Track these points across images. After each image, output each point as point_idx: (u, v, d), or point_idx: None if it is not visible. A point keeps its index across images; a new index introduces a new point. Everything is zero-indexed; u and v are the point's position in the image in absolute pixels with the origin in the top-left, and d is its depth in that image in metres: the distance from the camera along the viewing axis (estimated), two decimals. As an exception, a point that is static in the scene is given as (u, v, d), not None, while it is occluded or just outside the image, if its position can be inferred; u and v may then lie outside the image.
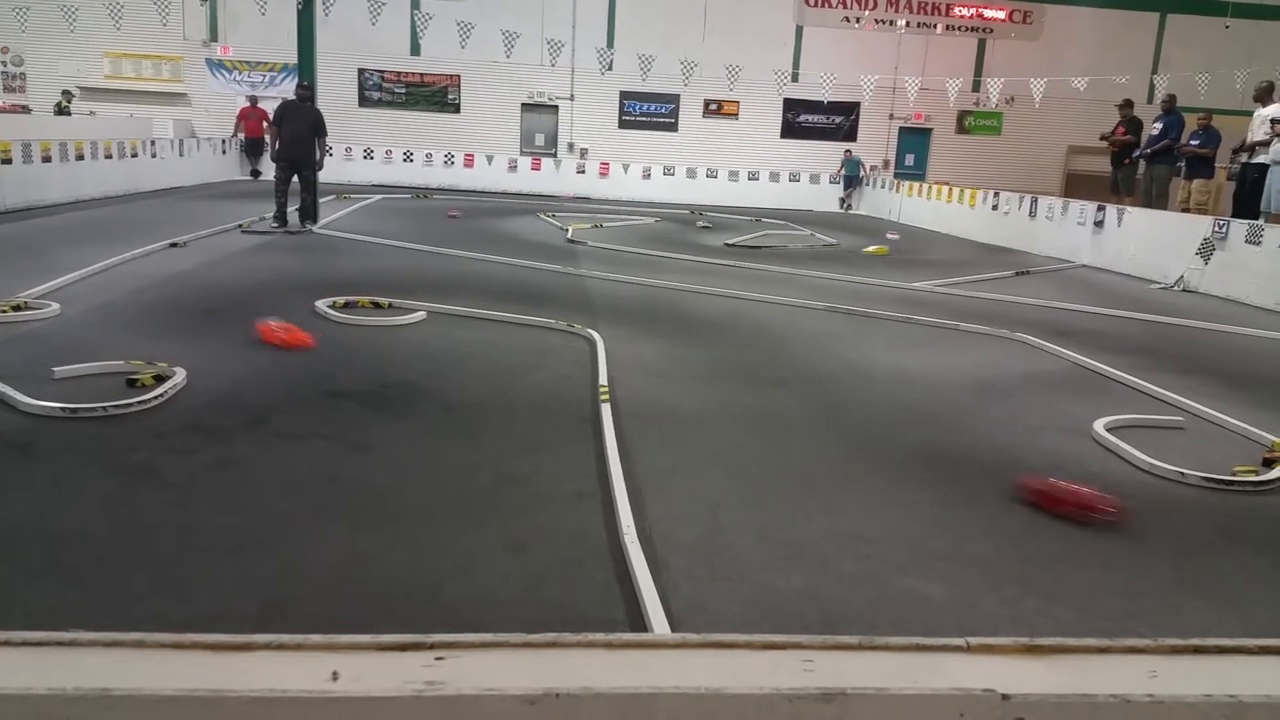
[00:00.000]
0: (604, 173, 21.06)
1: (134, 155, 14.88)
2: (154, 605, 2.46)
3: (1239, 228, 9.69)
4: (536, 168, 21.00)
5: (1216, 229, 9.93)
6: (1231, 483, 3.81)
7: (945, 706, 0.77)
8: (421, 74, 21.49)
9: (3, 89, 20.01)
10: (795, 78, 21.38)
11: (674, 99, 21.89)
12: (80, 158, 13.09)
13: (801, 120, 22.49)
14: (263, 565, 2.70)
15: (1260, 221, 9.80)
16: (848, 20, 22.06)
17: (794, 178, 21.63)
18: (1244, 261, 9.52)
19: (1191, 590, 2.94)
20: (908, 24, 22.04)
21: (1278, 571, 3.13)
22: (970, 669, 0.80)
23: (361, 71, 21.35)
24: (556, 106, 21.92)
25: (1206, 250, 9.99)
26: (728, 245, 12.33)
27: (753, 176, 21.46)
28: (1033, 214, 13.85)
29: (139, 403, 3.98)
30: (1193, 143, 12.14)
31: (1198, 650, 0.85)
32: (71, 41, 19.17)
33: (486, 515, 3.15)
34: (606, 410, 4.25)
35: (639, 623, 2.46)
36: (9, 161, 11.37)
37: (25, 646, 0.77)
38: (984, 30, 22.42)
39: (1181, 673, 0.82)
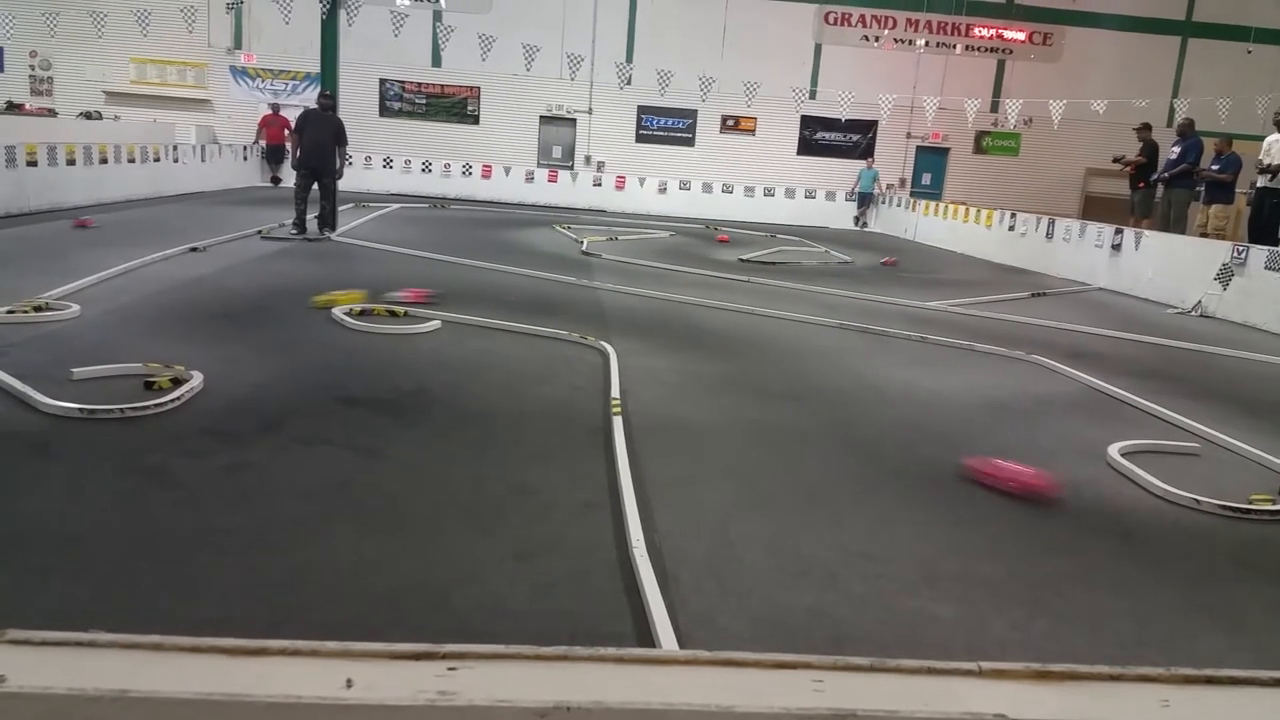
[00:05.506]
0: (620, 186, 21.15)
1: (156, 160, 15.06)
2: (165, 606, 2.47)
3: (1259, 254, 9.63)
4: (553, 180, 21.12)
5: (1236, 254, 9.86)
6: (1248, 511, 3.77)
7: (955, 730, 0.77)
8: (442, 85, 21.68)
9: (30, 92, 20.29)
10: (813, 95, 21.44)
11: (691, 114, 21.99)
12: (104, 161, 13.26)
13: (819, 137, 22.54)
14: (273, 569, 2.72)
15: (1280, 248, 9.75)
16: (867, 39, 22.12)
17: (810, 194, 21.64)
18: (1263, 288, 9.45)
19: (1205, 619, 2.91)
20: (927, 44, 22.08)
21: (1293, 602, 3.09)
22: (981, 693, 0.80)
23: (383, 81, 21.56)
24: (574, 119, 22.06)
25: (1225, 276, 9.93)
26: (742, 261, 12.34)
27: (769, 192, 21.50)
28: (1050, 235, 13.80)
29: (155, 405, 4.02)
30: (1213, 168, 12.10)
31: (1210, 680, 0.84)
32: (98, 47, 19.46)
33: (496, 524, 3.16)
34: (618, 422, 4.26)
35: (647, 636, 2.45)
36: (34, 164, 11.52)
37: (45, 646, 0.78)
38: (1003, 51, 22.43)
39: (1194, 703, 0.81)
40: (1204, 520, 3.71)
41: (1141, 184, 13.14)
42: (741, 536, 3.19)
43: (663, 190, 21.16)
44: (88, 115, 18.23)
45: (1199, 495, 3.83)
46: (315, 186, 11.14)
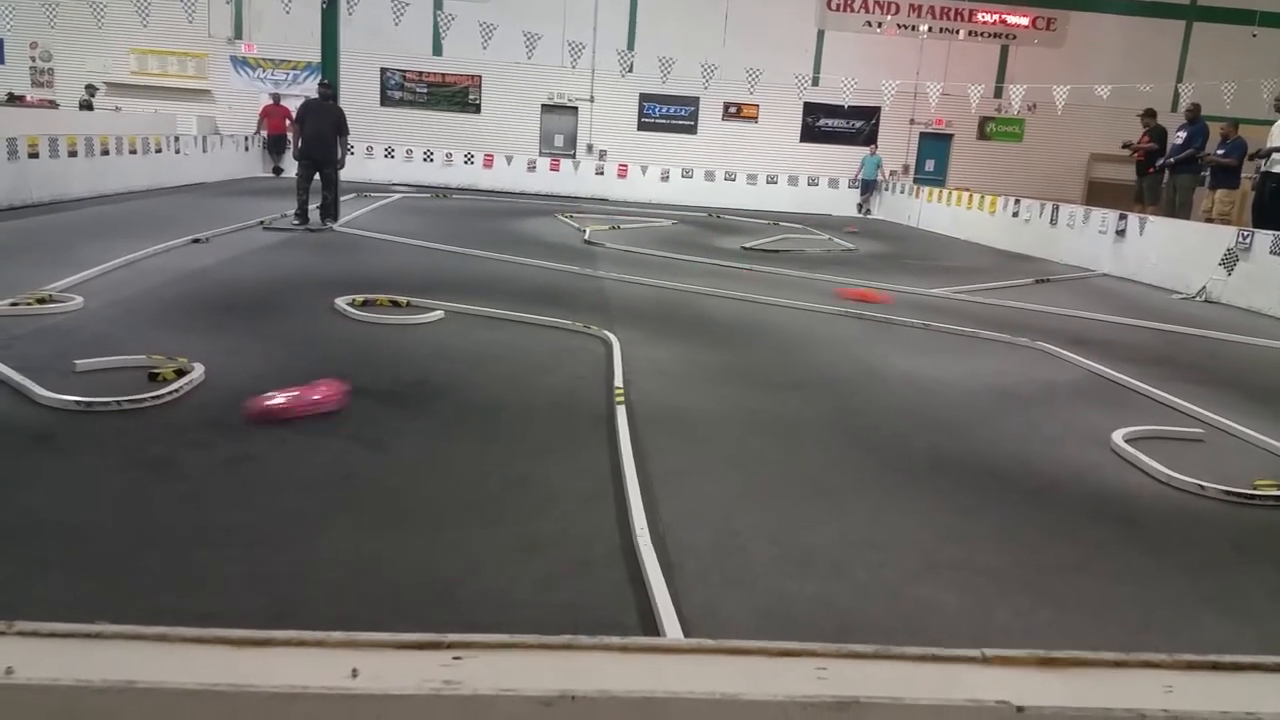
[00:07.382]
0: (622, 174, 21.09)
1: (158, 151, 15.04)
2: (166, 599, 2.48)
3: (1263, 239, 9.58)
4: (555, 169, 21.06)
5: (1240, 240, 9.83)
6: (1252, 497, 3.77)
7: (959, 717, 0.77)
8: (443, 74, 21.60)
9: (31, 84, 20.26)
10: (816, 81, 21.34)
11: (694, 101, 21.90)
12: (105, 153, 13.24)
13: (821, 124, 22.44)
14: (275, 562, 2.72)
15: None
16: (870, 25, 22.00)
17: (813, 182, 21.56)
18: (1267, 273, 9.41)
19: (1209, 605, 2.91)
20: (930, 29, 21.94)
21: (1297, 588, 3.09)
22: (985, 680, 0.80)
23: (384, 71, 21.49)
24: (576, 108, 21.97)
25: (1230, 261, 9.89)
26: (745, 249, 12.31)
27: (771, 180, 21.42)
28: (1054, 221, 13.75)
29: (152, 397, 4.02)
30: (1218, 152, 12.04)
31: (1215, 666, 0.84)
32: (99, 37, 19.41)
33: (499, 515, 3.16)
34: (621, 412, 4.26)
35: (651, 626, 2.46)
36: (36, 155, 11.51)
37: (52, 638, 0.78)
38: (1007, 36, 22.29)
39: (1199, 688, 0.81)
40: (1208, 506, 3.70)
41: (1151, 170, 13.09)
42: (745, 526, 3.20)
43: (665, 178, 21.09)
44: (87, 106, 18.16)
45: (1203, 481, 3.82)
46: (317, 177, 11.13)
